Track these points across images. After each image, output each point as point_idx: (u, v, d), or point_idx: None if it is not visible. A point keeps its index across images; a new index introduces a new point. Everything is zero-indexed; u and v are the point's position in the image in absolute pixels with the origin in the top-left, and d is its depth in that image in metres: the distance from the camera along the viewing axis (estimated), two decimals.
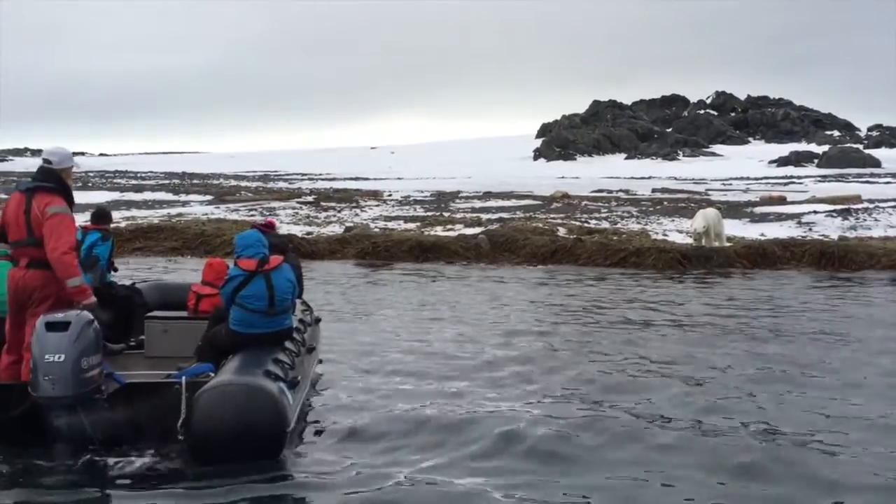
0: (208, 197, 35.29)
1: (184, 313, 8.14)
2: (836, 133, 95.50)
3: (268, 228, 8.42)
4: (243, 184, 49.38)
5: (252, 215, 26.42)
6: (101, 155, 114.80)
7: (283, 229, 22.38)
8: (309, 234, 21.70)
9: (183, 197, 35.61)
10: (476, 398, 7.52)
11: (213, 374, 6.06)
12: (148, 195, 36.49)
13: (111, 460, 5.60)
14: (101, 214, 9.02)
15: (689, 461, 5.96)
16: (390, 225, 24.02)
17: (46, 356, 5.43)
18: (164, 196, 36.01)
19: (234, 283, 6.60)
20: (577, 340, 10.15)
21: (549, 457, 6.02)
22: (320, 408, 7.24)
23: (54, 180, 6.32)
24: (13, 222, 6.26)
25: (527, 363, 8.92)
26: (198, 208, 29.47)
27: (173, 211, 28.08)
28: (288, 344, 6.80)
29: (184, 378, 5.86)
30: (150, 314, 8.12)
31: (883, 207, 24.93)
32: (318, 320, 8.66)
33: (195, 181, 52.75)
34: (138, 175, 60.00)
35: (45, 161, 6.37)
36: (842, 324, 11.40)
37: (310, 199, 34.15)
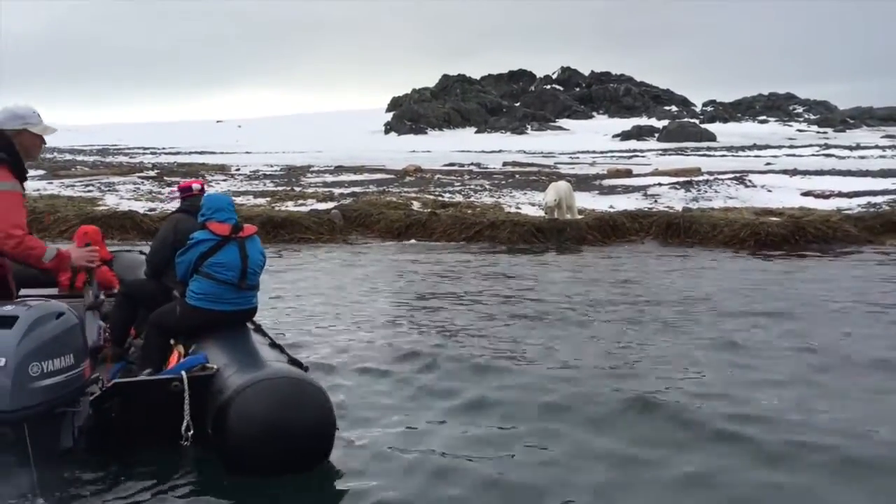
0: (40, 172, 33.02)
1: (55, 290, 6.89)
2: (674, 108, 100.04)
3: (190, 193, 6.86)
4: (80, 158, 46.73)
5: (89, 191, 24.92)
6: None
7: (124, 205, 21.18)
8: (151, 210, 20.58)
9: None
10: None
11: (210, 366, 5.10)
12: None
13: (107, 472, 4.71)
14: None
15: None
16: (239, 200, 23.09)
17: None
18: None
19: (201, 247, 5.68)
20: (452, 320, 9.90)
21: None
22: None
23: None
24: None
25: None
26: (29, 183, 27.35)
27: None
28: (252, 325, 5.97)
29: (184, 373, 4.96)
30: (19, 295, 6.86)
31: (721, 179, 25.92)
32: None
33: None
34: None
35: None
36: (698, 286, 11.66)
37: (152, 173, 32.56)
